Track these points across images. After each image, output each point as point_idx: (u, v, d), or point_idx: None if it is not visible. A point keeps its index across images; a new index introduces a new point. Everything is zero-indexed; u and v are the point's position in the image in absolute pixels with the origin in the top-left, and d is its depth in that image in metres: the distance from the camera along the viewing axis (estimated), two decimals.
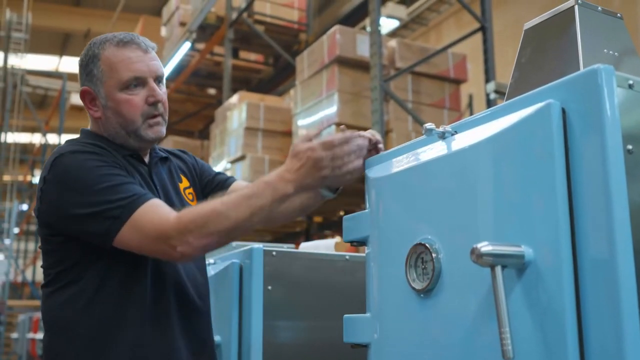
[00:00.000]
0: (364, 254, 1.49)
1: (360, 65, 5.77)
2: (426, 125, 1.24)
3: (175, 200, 1.77)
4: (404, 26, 12.73)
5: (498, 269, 0.99)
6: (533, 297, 1.01)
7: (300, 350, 2.00)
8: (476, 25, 6.03)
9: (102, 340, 1.58)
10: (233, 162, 6.99)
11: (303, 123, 6.16)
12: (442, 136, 1.24)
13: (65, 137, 14.34)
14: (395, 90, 5.73)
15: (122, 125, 1.69)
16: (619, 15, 1.38)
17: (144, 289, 1.62)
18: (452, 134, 1.24)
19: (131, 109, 1.68)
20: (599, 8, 1.35)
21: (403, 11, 11.96)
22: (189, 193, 1.87)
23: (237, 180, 1.99)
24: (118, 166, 1.63)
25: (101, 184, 1.55)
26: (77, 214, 1.55)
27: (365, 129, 1.58)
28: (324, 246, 2.25)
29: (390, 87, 5.65)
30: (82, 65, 1.73)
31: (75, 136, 1.77)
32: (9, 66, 14.67)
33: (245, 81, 9.73)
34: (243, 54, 9.59)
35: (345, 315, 1.45)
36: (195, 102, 10.74)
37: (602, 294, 0.95)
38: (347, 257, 2.12)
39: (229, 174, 7.33)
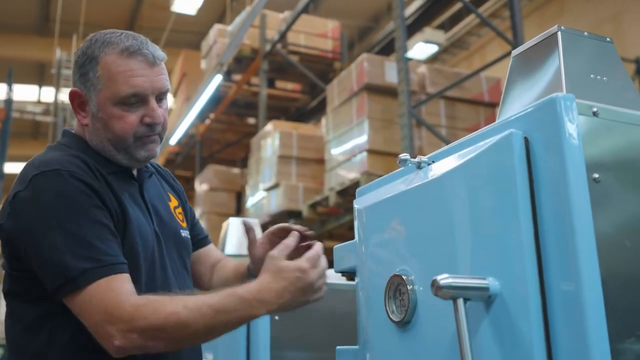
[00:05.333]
0: None
1: (390, 92, 5.78)
2: (400, 156, 1.24)
3: (167, 220, 1.60)
4: (445, 51, 12.69)
5: (460, 301, 0.98)
6: (501, 331, 0.99)
7: None
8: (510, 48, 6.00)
9: None
10: (268, 190, 7.04)
11: (336, 151, 6.18)
12: (419, 166, 1.24)
13: None
14: (427, 116, 5.71)
15: (111, 140, 1.50)
16: (608, 39, 1.35)
17: None
18: (429, 164, 1.23)
19: (124, 127, 1.48)
20: (585, 33, 1.33)
21: (441, 36, 11.92)
22: (179, 213, 1.69)
23: (211, 243, 1.83)
24: (100, 204, 1.41)
25: (74, 229, 1.35)
26: (37, 254, 1.37)
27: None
28: (332, 275, 2.24)
29: (422, 113, 5.64)
30: (78, 63, 1.52)
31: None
32: (59, 101, 15.16)
33: (283, 110, 9.85)
34: (280, 84, 9.71)
35: (338, 347, 1.45)
36: (235, 131, 10.90)
37: (571, 328, 0.92)
38: None
39: (264, 202, 7.27)
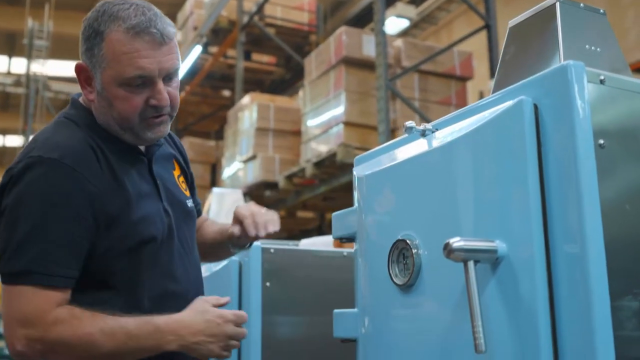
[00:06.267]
0: None
1: (367, 65, 5.79)
2: (406, 123, 1.26)
3: (175, 193, 1.58)
4: (415, 25, 12.68)
5: (470, 264, 1.01)
6: (507, 292, 1.03)
7: (298, 345, 2.02)
8: (482, 23, 6.06)
9: None
10: (245, 161, 7.04)
11: (312, 123, 6.19)
12: (423, 134, 1.26)
13: None
14: (402, 88, 5.74)
15: (116, 120, 1.45)
16: (601, 11, 1.39)
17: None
18: (433, 132, 1.26)
19: (128, 108, 1.43)
20: (581, 5, 1.36)
21: (412, 11, 11.90)
22: (182, 182, 1.66)
23: (203, 214, 1.83)
24: (81, 205, 1.36)
25: (43, 230, 1.33)
26: (4, 226, 1.37)
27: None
28: (322, 243, 2.27)
29: (397, 85, 5.66)
30: (84, 35, 1.44)
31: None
32: (31, 73, 14.82)
33: (258, 83, 9.79)
34: (256, 56, 9.65)
35: (335, 311, 1.48)
36: (210, 104, 10.81)
37: (574, 288, 0.96)
38: (345, 253, 2.13)
39: (241, 174, 7.30)
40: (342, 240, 1.53)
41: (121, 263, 1.41)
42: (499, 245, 1.03)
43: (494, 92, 1.38)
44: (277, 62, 9.74)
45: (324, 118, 5.95)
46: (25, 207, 1.35)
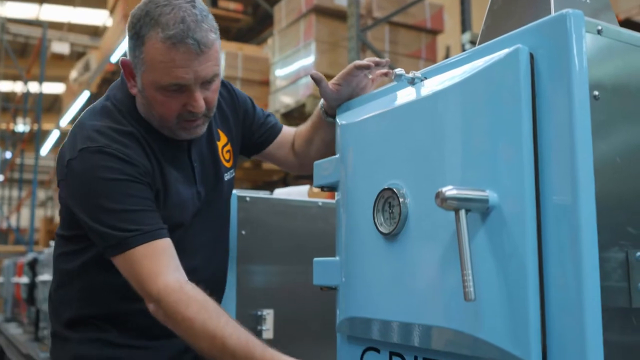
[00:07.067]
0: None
1: (338, 15, 5.72)
2: (396, 70, 1.24)
3: (210, 173, 1.67)
4: None
5: (462, 212, 1.01)
6: (496, 241, 1.03)
7: (273, 293, 2.03)
8: None
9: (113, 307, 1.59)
10: None
11: (281, 73, 6.11)
12: (412, 82, 1.24)
13: (46, 86, 14.11)
14: (372, 40, 5.69)
15: (155, 118, 1.54)
16: None
17: None
18: (422, 80, 1.24)
19: (165, 112, 1.50)
20: None
21: None
22: (226, 152, 1.74)
23: (283, 127, 1.91)
24: (138, 178, 1.48)
25: (112, 204, 1.44)
26: (84, 220, 1.49)
27: None
28: (297, 193, 2.26)
29: (368, 37, 5.61)
30: (129, 34, 1.49)
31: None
32: None
33: (225, 31, 9.57)
34: (222, 3, 9.42)
35: (315, 259, 1.47)
36: None
37: (563, 239, 0.96)
38: (320, 203, 2.13)
39: None
40: (323, 189, 1.51)
41: None
42: (490, 194, 1.03)
43: (480, 41, 1.36)
44: (245, 9, 9.53)
45: (293, 68, 5.89)
46: (91, 197, 1.46)
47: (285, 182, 7.69)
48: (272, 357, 1.29)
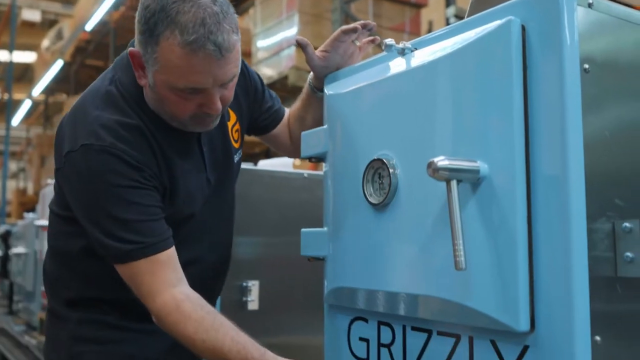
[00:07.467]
0: (321, 172, 1.50)
1: None
2: (386, 40, 1.23)
3: (222, 157, 1.61)
4: None
5: (453, 183, 1.01)
6: (486, 211, 1.04)
7: (258, 264, 2.04)
8: None
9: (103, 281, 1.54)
10: None
11: (263, 44, 6.06)
12: (402, 52, 1.24)
13: (17, 55, 13.84)
14: (356, 12, 5.66)
15: (166, 114, 1.45)
16: None
17: None
18: (412, 51, 1.24)
19: (178, 111, 1.41)
20: None
21: None
22: (235, 131, 1.66)
23: (285, 110, 1.85)
24: (144, 184, 1.40)
25: (115, 212, 1.37)
26: (85, 223, 1.43)
27: None
28: (281, 164, 2.26)
29: (351, 9, 5.58)
30: (139, 26, 1.36)
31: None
32: None
33: None
34: None
35: (303, 230, 1.48)
36: None
37: (553, 210, 0.98)
38: (306, 174, 2.14)
39: None
40: (311, 160, 1.51)
41: None
42: (481, 165, 1.03)
43: (469, 14, 1.36)
44: None
45: (275, 39, 5.85)
46: (92, 199, 1.40)
47: (267, 155, 7.69)
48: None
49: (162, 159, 1.46)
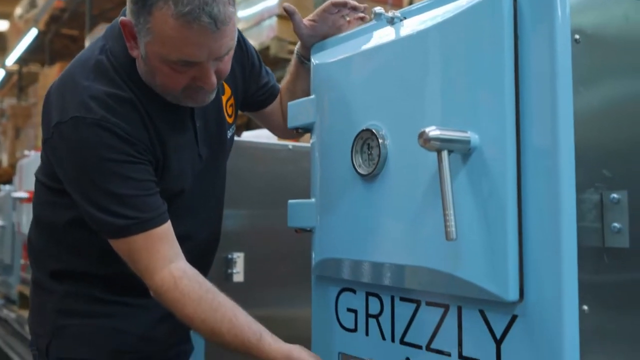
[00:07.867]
0: (306, 144, 1.49)
1: None
2: (375, 9, 1.22)
3: (215, 132, 1.58)
4: None
5: (444, 153, 1.01)
6: (476, 182, 1.04)
7: (243, 236, 2.03)
8: None
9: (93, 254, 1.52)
10: None
11: (243, 14, 5.98)
12: (391, 21, 1.23)
13: None
14: None
15: (159, 86, 1.40)
16: None
17: None
18: (401, 20, 1.23)
19: (170, 84, 1.37)
20: None
21: None
22: (229, 106, 1.63)
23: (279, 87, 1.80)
24: (138, 158, 1.37)
25: (110, 187, 1.34)
26: (77, 198, 1.40)
27: None
28: (266, 136, 2.25)
29: None
30: None
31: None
32: None
33: None
34: None
35: (290, 201, 1.47)
36: None
37: (542, 181, 0.98)
38: (290, 146, 2.13)
39: None
40: (298, 131, 1.50)
41: None
42: (472, 136, 1.03)
43: None
44: None
45: (255, 9, 5.75)
46: (82, 173, 1.37)
47: (248, 126, 7.64)
48: (267, 350, 1.33)
49: (154, 133, 1.42)
